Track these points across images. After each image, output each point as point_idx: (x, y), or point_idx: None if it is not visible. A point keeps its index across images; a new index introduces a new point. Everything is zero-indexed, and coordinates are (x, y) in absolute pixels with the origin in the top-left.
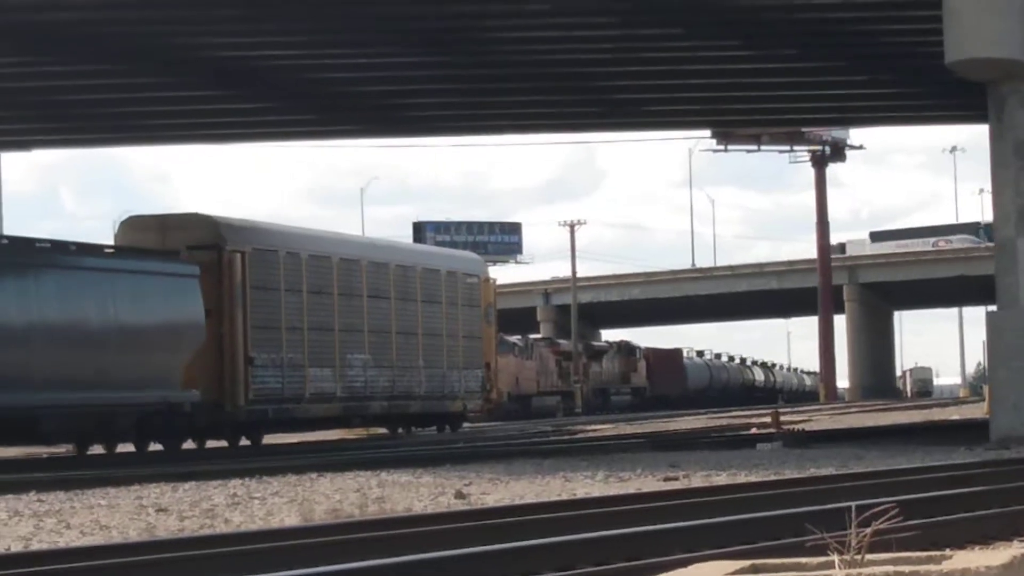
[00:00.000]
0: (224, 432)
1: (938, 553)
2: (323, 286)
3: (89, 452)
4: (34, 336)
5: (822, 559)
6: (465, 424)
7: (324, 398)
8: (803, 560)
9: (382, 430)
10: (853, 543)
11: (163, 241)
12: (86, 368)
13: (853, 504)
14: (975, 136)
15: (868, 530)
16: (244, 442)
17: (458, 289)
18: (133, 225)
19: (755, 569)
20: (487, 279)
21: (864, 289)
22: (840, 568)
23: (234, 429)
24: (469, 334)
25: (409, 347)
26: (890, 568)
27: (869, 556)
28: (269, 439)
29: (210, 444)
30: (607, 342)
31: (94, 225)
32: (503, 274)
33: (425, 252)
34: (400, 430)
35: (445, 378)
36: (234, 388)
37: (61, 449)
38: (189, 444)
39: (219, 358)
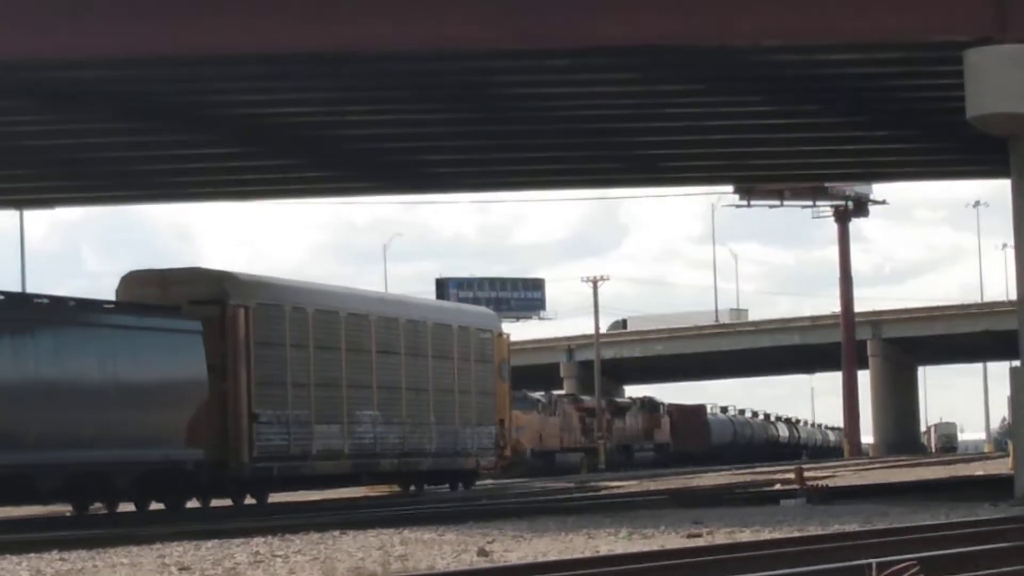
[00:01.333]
0: (228, 490)
1: None
2: (330, 341)
3: (92, 511)
4: (31, 393)
5: None
6: (487, 481)
7: (332, 455)
8: None
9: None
10: None
11: (165, 296)
12: (84, 426)
13: (874, 561)
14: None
15: None
16: (249, 500)
17: (471, 344)
18: (135, 280)
19: None
20: (501, 334)
21: (888, 344)
22: None
23: (239, 487)
24: (482, 390)
25: (420, 403)
26: None
27: None
28: (286, 497)
29: (215, 503)
30: (630, 398)
31: (115, 283)
32: (526, 331)
33: (436, 307)
34: (412, 488)
35: (457, 435)
36: (238, 446)
37: (61, 509)
38: (193, 503)
39: (222, 415)
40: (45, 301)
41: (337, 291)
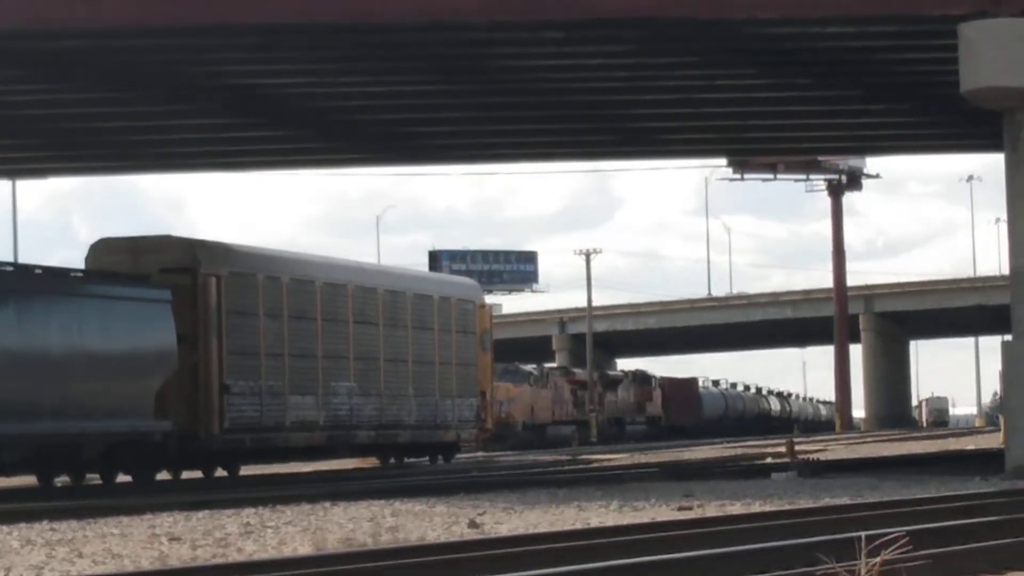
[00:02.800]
0: (199, 462)
1: None
2: (305, 311)
3: (65, 483)
4: None
5: None
6: (478, 453)
7: (306, 427)
8: None
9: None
10: (863, 572)
11: (136, 264)
12: (49, 396)
13: (863, 534)
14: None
15: (878, 559)
16: (221, 473)
17: (452, 315)
18: (105, 248)
19: None
20: (483, 305)
21: (880, 318)
22: None
23: (209, 459)
24: (463, 361)
25: (398, 375)
26: None
27: None
28: (277, 469)
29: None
30: (622, 371)
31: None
32: (518, 303)
33: (417, 277)
34: (392, 460)
35: (437, 407)
36: (208, 417)
37: (27, 481)
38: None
39: (193, 386)
40: (9, 269)
41: (313, 260)
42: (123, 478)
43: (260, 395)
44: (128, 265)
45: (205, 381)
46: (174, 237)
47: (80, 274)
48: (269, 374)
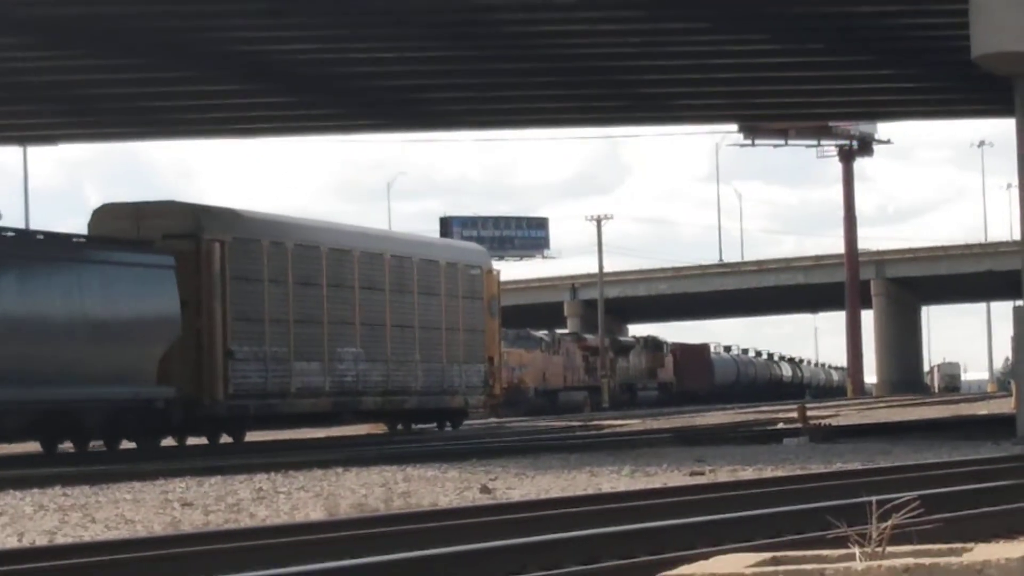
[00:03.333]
0: (203, 429)
1: (959, 546)
2: (311, 277)
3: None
4: None
5: (843, 551)
6: (490, 420)
7: (312, 393)
8: (824, 552)
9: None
10: (874, 536)
11: (138, 230)
12: (51, 363)
13: (874, 499)
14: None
15: (888, 523)
16: (226, 439)
17: (459, 281)
18: (107, 213)
19: (776, 561)
20: (491, 271)
21: (892, 284)
22: (861, 560)
23: (213, 426)
24: (470, 327)
25: (405, 340)
26: (910, 560)
27: (890, 549)
28: (290, 435)
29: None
30: (634, 337)
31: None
32: (530, 269)
33: (423, 243)
34: (399, 427)
35: (444, 373)
36: (212, 383)
37: (37, 447)
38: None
39: (197, 352)
40: (11, 234)
41: (318, 225)
42: (128, 445)
43: (265, 361)
44: (131, 231)
45: (209, 347)
46: (177, 203)
47: (82, 240)
48: (274, 340)
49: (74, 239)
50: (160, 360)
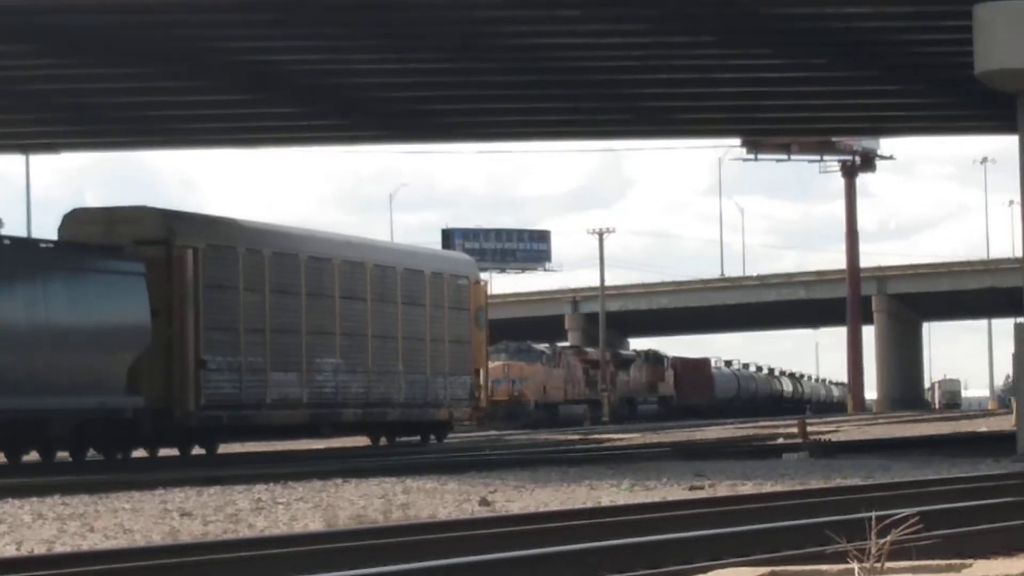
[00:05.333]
0: (174, 440)
1: (958, 562)
2: (289, 286)
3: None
4: None
5: (842, 567)
6: (490, 432)
7: (289, 404)
8: (823, 567)
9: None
10: (873, 551)
11: (110, 235)
12: (13, 371)
13: (873, 514)
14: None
15: (887, 539)
16: (198, 451)
17: (444, 291)
18: (78, 218)
19: (775, 575)
20: (478, 281)
21: (893, 300)
22: (859, 575)
23: (185, 437)
24: (456, 338)
25: (387, 351)
26: None
27: (889, 564)
28: (288, 447)
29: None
30: (635, 351)
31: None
32: (531, 282)
33: (408, 252)
34: (383, 440)
35: (428, 384)
36: (183, 393)
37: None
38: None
39: (167, 361)
40: None
41: (297, 233)
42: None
43: (239, 371)
44: (102, 236)
45: (180, 356)
46: (149, 208)
47: (49, 245)
48: (249, 350)
49: (41, 244)
50: (129, 369)
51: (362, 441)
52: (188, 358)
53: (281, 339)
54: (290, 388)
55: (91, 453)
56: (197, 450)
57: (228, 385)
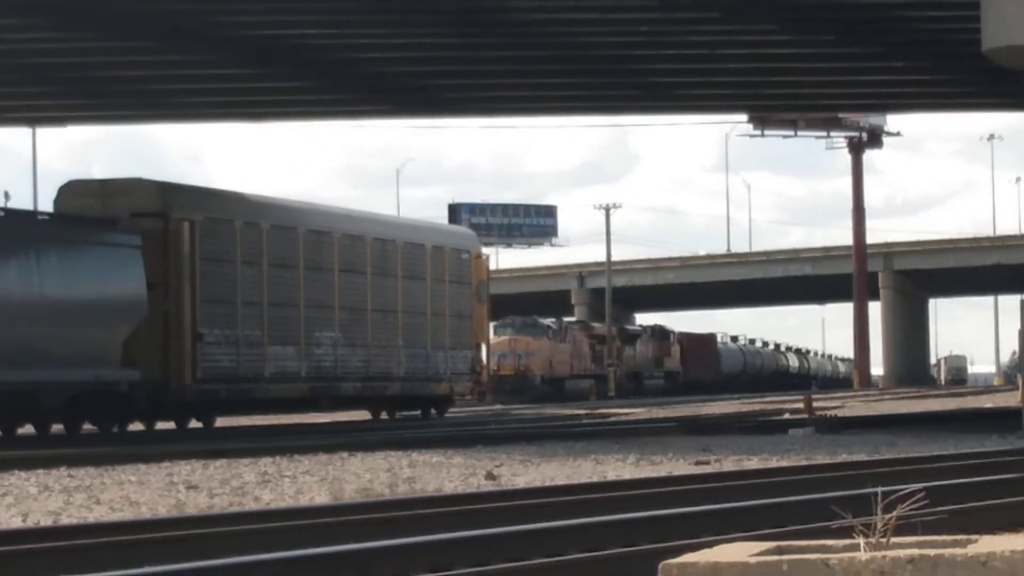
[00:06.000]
0: (171, 414)
1: (964, 537)
2: (287, 259)
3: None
4: None
5: (848, 542)
6: (495, 405)
7: (287, 378)
8: (829, 542)
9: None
10: (879, 527)
11: (106, 208)
12: (8, 343)
13: (879, 489)
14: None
15: (893, 514)
16: (195, 424)
17: (446, 265)
18: (74, 190)
19: (780, 551)
20: (479, 255)
21: (900, 276)
22: (865, 550)
23: (181, 410)
24: (458, 313)
25: (387, 325)
26: (915, 551)
27: (895, 539)
28: (296, 419)
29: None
30: (641, 326)
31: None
32: (538, 257)
33: (408, 225)
34: (383, 414)
35: (429, 359)
36: (180, 366)
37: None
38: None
39: (164, 335)
40: None
41: (296, 206)
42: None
43: (237, 345)
44: (98, 209)
45: (176, 330)
46: (145, 180)
47: (44, 217)
48: (247, 323)
49: (36, 216)
50: (124, 342)
51: (363, 415)
52: (184, 331)
53: (279, 312)
54: (288, 362)
55: (86, 426)
56: (195, 424)
57: (225, 358)
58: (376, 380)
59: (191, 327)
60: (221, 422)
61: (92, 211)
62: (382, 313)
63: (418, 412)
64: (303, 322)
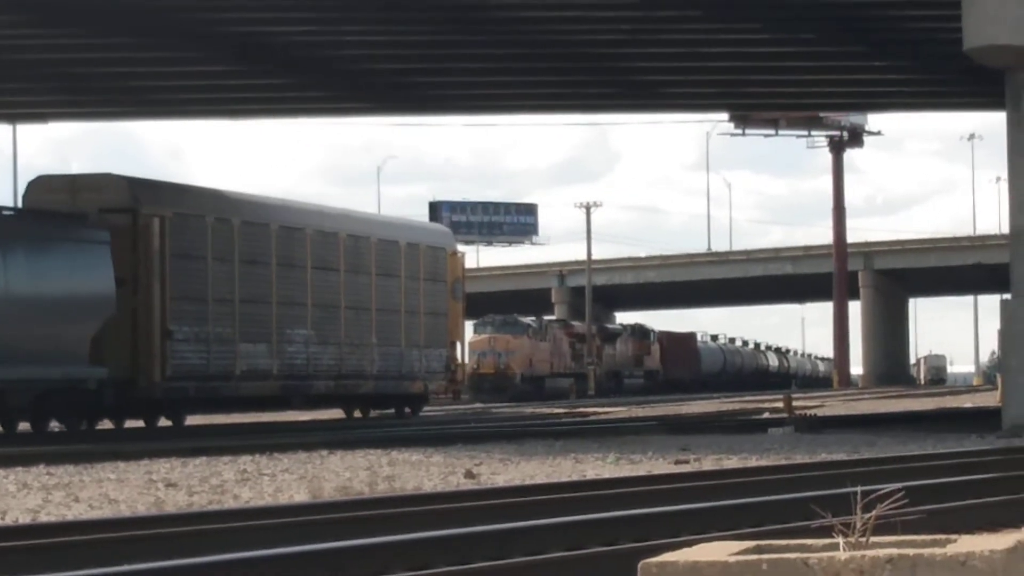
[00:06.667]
0: (140, 411)
1: (943, 537)
2: (259, 255)
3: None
4: None
5: (827, 541)
6: (475, 404)
7: (258, 376)
8: (808, 542)
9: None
10: (858, 526)
11: (75, 203)
12: None
13: (859, 489)
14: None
15: (873, 514)
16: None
17: (420, 262)
18: (42, 186)
19: (759, 549)
20: (455, 252)
21: (879, 275)
22: (844, 550)
23: (150, 408)
24: (432, 310)
25: (360, 323)
26: (894, 551)
27: (874, 539)
28: (274, 418)
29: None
30: (621, 325)
31: None
32: (518, 255)
33: (382, 223)
34: (357, 413)
35: (403, 357)
36: (149, 364)
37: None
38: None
39: (132, 332)
40: None
41: (268, 202)
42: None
43: (207, 342)
44: (67, 204)
45: (146, 327)
46: (114, 176)
47: (10, 212)
48: (218, 320)
49: (2, 212)
50: (92, 339)
51: (340, 414)
52: (154, 328)
53: (251, 310)
54: (260, 359)
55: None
56: (165, 422)
57: (195, 356)
58: (349, 378)
59: (160, 324)
60: (200, 420)
61: (61, 207)
62: (355, 311)
63: (392, 411)
64: (275, 319)
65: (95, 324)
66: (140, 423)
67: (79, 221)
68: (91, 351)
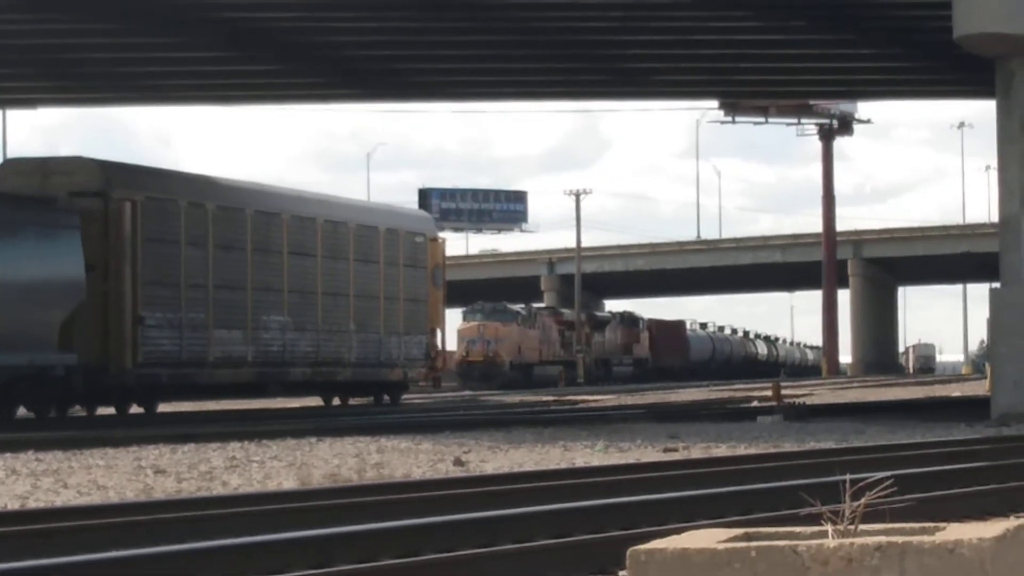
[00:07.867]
0: (111, 398)
1: (931, 525)
2: (234, 241)
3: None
4: None
5: (816, 528)
6: (465, 392)
7: (233, 363)
8: (797, 529)
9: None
10: (847, 514)
11: (45, 187)
12: None
13: (847, 477)
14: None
15: (861, 502)
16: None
17: (400, 248)
18: (12, 169)
19: (748, 537)
20: (435, 238)
21: (869, 264)
22: (833, 537)
23: (122, 395)
24: (412, 297)
25: (338, 309)
26: (883, 538)
27: (863, 527)
28: (265, 404)
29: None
30: (610, 312)
31: None
32: (508, 242)
33: (360, 208)
34: (336, 400)
35: (382, 344)
36: (119, 350)
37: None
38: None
39: (103, 317)
40: None
41: (244, 187)
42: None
43: (180, 328)
44: (36, 188)
45: (116, 313)
46: (85, 159)
47: None
48: (191, 306)
49: None
50: (62, 325)
51: (315, 401)
52: (125, 314)
53: (225, 295)
54: (234, 346)
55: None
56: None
57: (168, 342)
58: (326, 365)
59: (132, 310)
60: (190, 407)
61: (31, 190)
62: (333, 297)
63: (370, 399)
64: (250, 305)
65: (64, 310)
66: (111, 410)
67: (48, 205)
68: (60, 337)
